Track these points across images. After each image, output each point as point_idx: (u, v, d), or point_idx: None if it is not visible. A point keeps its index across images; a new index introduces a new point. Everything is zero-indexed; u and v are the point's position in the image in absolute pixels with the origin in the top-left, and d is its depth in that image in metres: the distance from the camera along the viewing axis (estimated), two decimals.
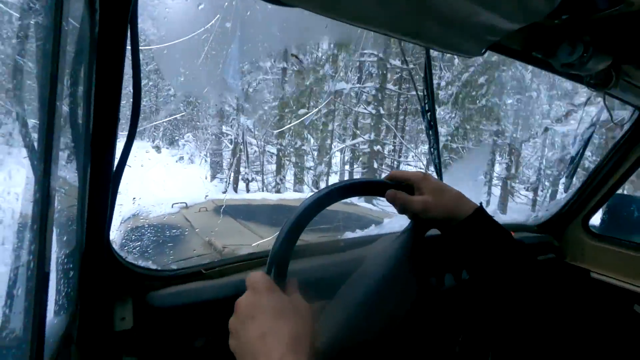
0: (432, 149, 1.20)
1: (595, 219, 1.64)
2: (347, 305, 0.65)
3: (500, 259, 0.62)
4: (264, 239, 1.78)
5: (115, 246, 0.79)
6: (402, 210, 0.65)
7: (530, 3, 0.70)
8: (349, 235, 1.30)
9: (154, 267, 0.87)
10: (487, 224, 0.63)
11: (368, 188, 0.68)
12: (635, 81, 1.13)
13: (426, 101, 1.11)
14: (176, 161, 12.15)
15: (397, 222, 1.32)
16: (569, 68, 0.94)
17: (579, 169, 1.48)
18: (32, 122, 0.38)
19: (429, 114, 1.12)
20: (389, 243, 0.72)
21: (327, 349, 0.54)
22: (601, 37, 0.88)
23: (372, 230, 1.31)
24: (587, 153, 1.48)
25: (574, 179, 1.51)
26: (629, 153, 1.46)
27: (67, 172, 0.56)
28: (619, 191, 1.57)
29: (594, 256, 1.56)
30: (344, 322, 0.62)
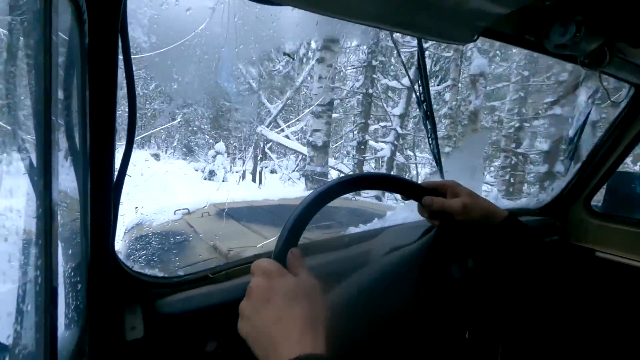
0: (429, 139, 1.20)
1: (597, 199, 1.64)
2: (360, 292, 0.67)
3: (535, 261, 0.68)
4: (268, 240, 1.78)
5: (121, 256, 0.79)
6: (434, 215, 0.71)
7: None
8: (352, 230, 1.31)
9: (160, 274, 0.87)
10: (523, 228, 0.68)
11: (403, 187, 0.71)
12: (629, 58, 1.13)
13: (421, 91, 1.11)
14: (205, 178, 9.82)
15: (400, 214, 1.32)
16: (563, 49, 0.94)
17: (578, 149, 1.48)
18: (29, 137, 0.38)
19: (424, 104, 1.12)
20: (412, 245, 0.76)
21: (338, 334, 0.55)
22: (593, 16, 0.87)
23: (376, 224, 1.31)
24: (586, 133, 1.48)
25: (573, 160, 1.51)
26: (627, 130, 1.46)
27: (67, 185, 0.56)
28: (619, 168, 1.57)
29: (598, 235, 1.56)
30: (358, 309, 0.63)
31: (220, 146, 10.71)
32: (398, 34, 0.83)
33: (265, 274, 0.50)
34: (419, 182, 0.74)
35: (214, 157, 10.56)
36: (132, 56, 0.65)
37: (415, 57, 1.10)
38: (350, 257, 0.92)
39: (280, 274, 0.50)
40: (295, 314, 0.44)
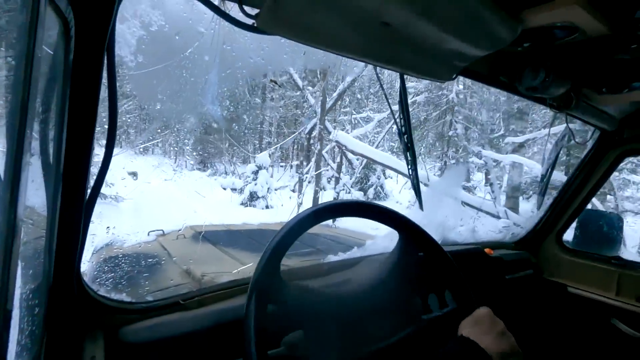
0: (409, 170, 1.23)
1: (569, 235, 1.70)
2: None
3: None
4: (245, 265, 1.73)
5: (86, 279, 0.75)
6: None
7: (494, 32, 0.75)
8: (332, 258, 1.29)
9: (127, 299, 0.83)
10: None
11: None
12: (594, 103, 1.21)
13: (402, 124, 1.14)
14: (244, 203, 7.23)
15: (380, 244, 1.32)
16: (533, 91, 1.00)
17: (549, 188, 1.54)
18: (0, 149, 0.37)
19: (405, 136, 1.15)
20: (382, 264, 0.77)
21: None
22: (561, 63, 0.95)
23: (355, 253, 1.30)
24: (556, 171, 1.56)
25: (545, 196, 1.57)
26: (594, 169, 1.55)
27: (36, 202, 0.53)
28: (589, 206, 1.64)
29: (570, 271, 1.60)
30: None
31: (264, 159, 8.31)
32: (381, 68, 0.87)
33: None
34: None
35: (255, 173, 7.89)
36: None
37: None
38: (330, 285, 0.91)
39: None
40: None
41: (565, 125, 1.31)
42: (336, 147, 7.93)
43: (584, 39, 0.81)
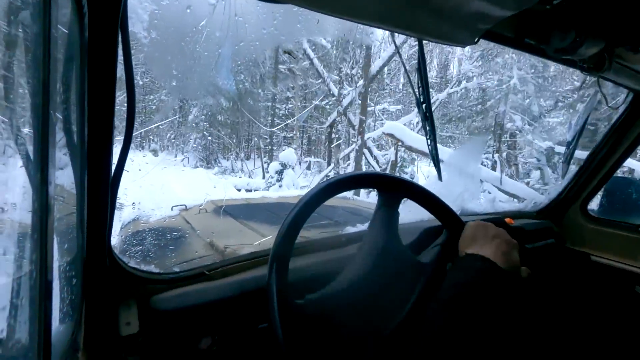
0: (428, 140, 1.20)
1: (594, 203, 1.65)
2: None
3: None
4: (265, 237, 1.78)
5: (117, 252, 0.79)
6: None
7: None
8: (350, 229, 1.31)
9: (156, 270, 0.87)
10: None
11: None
12: (628, 63, 1.13)
13: (421, 92, 1.11)
14: None
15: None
16: (562, 53, 0.94)
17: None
18: (27, 130, 0.38)
19: (424, 105, 1.12)
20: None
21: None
22: (592, 22, 0.88)
23: None
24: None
25: (571, 163, 1.52)
26: (625, 135, 1.47)
27: (64, 180, 0.55)
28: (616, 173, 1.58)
29: (594, 239, 1.57)
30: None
31: (289, 155, 6.90)
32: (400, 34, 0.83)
33: None
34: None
35: (280, 173, 6.53)
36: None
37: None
38: (347, 257, 0.93)
39: None
40: None
41: (595, 88, 1.24)
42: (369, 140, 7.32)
43: None
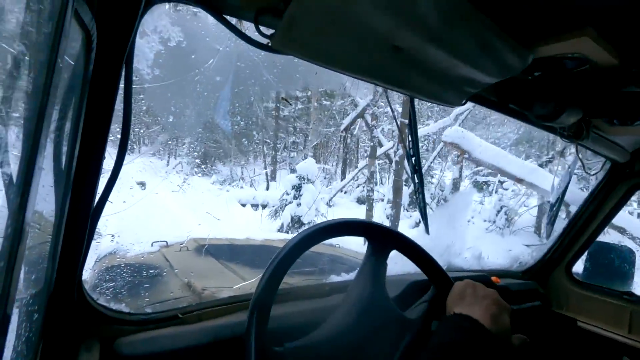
0: (417, 193, 1.22)
1: (579, 266, 1.65)
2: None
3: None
4: (246, 281, 1.71)
5: (87, 286, 0.75)
6: None
7: (505, 60, 0.76)
8: (334, 278, 1.27)
9: (126, 310, 0.82)
10: None
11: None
12: (604, 134, 1.20)
13: (411, 146, 1.15)
14: (283, 230, 5.05)
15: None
16: (543, 120, 1.00)
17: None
18: (15, 153, 0.37)
19: (413, 158, 1.15)
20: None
21: None
22: (572, 93, 0.95)
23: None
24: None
25: (554, 226, 1.54)
26: (604, 202, 1.52)
27: (44, 206, 0.54)
28: (599, 238, 1.60)
29: (580, 304, 1.55)
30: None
31: (308, 168, 5.59)
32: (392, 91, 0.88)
33: None
34: None
35: (298, 189, 5.39)
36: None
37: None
38: (330, 307, 0.89)
39: None
40: None
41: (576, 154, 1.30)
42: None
43: (594, 70, 0.81)
